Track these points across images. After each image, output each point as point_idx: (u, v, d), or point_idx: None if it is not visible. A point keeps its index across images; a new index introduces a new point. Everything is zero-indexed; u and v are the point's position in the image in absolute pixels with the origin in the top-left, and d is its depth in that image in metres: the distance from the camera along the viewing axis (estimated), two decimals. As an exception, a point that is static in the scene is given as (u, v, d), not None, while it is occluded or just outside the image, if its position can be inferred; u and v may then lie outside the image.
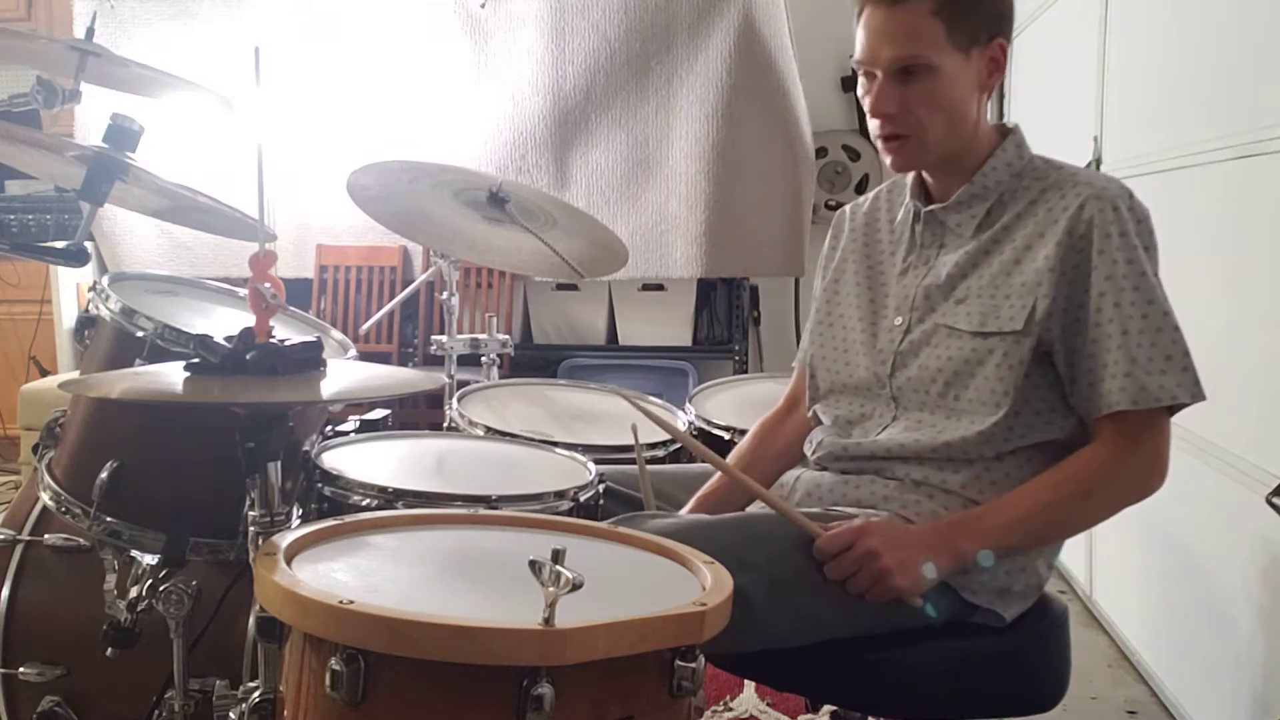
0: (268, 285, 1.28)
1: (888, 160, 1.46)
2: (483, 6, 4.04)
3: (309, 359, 1.28)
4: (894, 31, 1.38)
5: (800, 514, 1.37)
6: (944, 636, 1.38)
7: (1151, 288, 1.35)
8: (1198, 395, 1.34)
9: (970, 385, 1.40)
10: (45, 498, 1.57)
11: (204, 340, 1.24)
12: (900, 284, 1.51)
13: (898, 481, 1.43)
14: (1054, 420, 1.40)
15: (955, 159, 1.45)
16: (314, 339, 1.31)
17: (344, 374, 1.35)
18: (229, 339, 1.25)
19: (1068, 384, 1.38)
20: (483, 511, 1.33)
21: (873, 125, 1.44)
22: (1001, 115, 4.29)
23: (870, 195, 1.64)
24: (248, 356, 1.24)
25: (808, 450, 1.57)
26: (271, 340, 1.27)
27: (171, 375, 1.24)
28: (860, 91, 1.45)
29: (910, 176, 1.54)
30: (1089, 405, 1.36)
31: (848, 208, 1.66)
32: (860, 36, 1.41)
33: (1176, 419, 1.37)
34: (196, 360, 1.24)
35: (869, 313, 1.54)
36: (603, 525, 1.26)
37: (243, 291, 1.71)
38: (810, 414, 1.61)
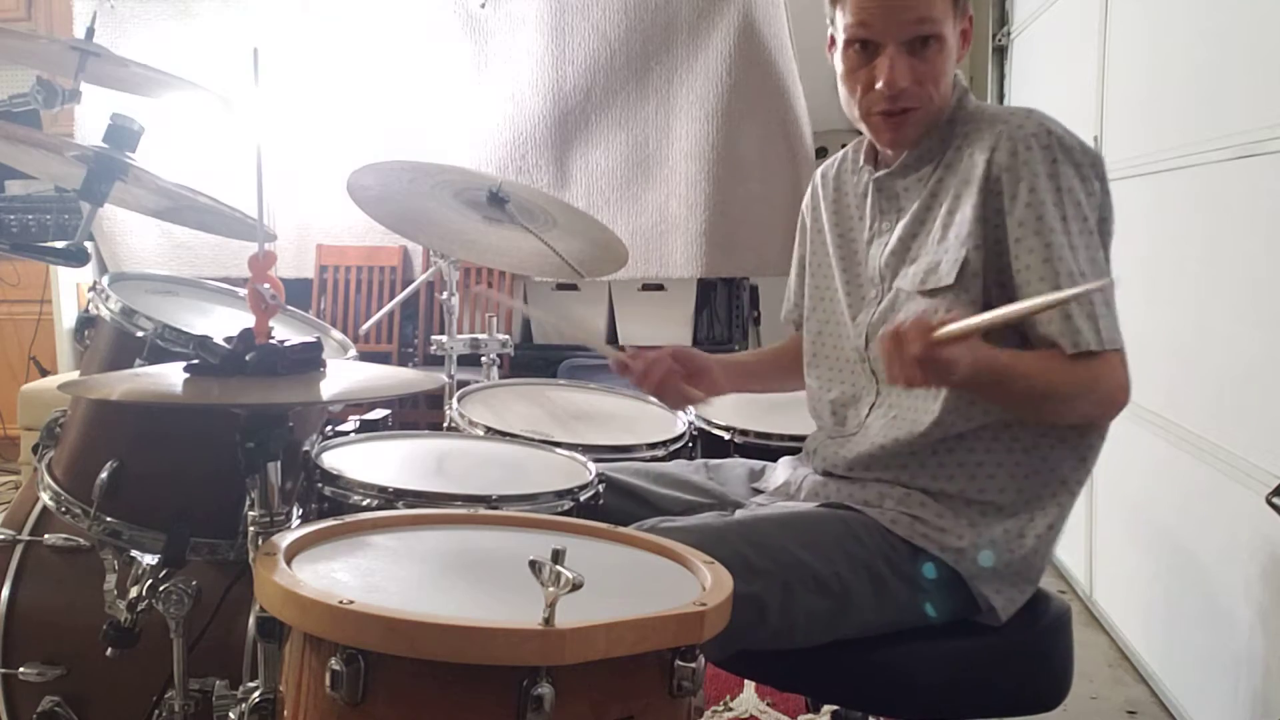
0: (267, 286, 1.28)
1: (885, 136, 1.42)
2: (483, 6, 4.03)
3: (309, 360, 1.28)
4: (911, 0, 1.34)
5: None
6: (946, 636, 1.38)
7: (1068, 231, 1.29)
8: (1109, 343, 1.27)
9: None
10: (45, 498, 1.57)
11: (204, 341, 1.24)
12: (869, 255, 1.50)
13: (903, 489, 1.41)
14: None
15: None
16: (314, 339, 1.31)
17: (344, 374, 1.35)
18: (229, 340, 1.25)
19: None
20: (483, 511, 1.33)
21: (873, 100, 1.39)
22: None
23: (837, 157, 1.61)
24: (247, 357, 1.23)
25: (808, 453, 1.57)
26: (271, 341, 1.26)
27: (171, 376, 1.24)
28: (850, 65, 1.39)
29: (865, 141, 1.51)
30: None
31: (818, 173, 1.64)
32: (863, 4, 1.35)
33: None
34: (196, 361, 1.24)
35: (851, 286, 1.53)
36: (603, 525, 1.26)
37: (243, 291, 1.71)
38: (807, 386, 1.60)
